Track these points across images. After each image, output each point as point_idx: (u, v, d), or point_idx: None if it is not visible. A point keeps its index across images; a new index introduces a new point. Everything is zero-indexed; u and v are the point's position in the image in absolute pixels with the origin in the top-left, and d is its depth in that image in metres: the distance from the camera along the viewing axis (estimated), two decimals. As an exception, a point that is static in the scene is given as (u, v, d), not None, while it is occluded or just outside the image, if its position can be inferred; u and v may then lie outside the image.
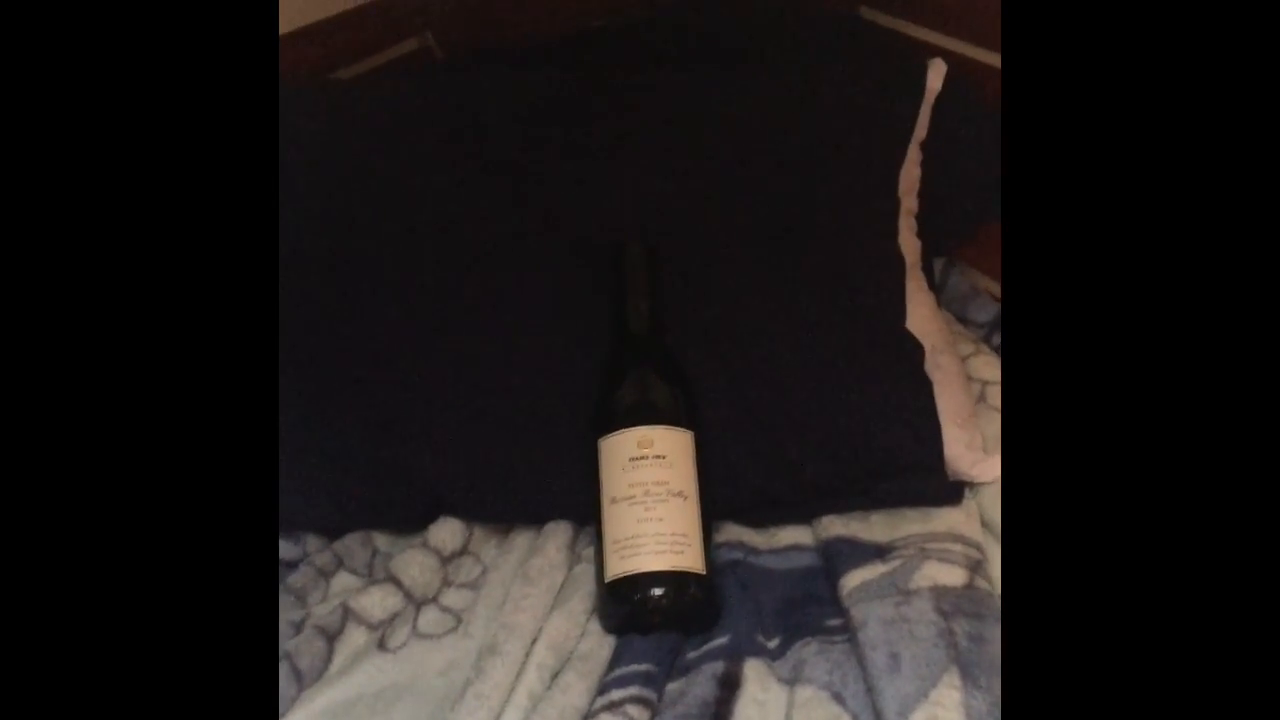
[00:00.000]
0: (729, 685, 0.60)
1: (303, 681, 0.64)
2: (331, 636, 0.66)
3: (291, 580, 0.71)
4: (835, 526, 0.70)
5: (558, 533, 0.72)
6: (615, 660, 0.63)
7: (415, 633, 0.67)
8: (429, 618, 0.68)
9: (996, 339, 0.87)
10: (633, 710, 0.58)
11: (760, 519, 0.73)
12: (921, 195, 0.87)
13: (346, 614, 0.68)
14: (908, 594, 0.62)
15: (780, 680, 0.61)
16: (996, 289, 0.92)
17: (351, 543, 0.74)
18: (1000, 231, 0.43)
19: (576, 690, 0.61)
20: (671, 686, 0.61)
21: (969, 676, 0.56)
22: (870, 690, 0.58)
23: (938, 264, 0.94)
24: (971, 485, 0.73)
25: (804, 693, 0.59)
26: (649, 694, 0.60)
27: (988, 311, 0.90)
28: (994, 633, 0.59)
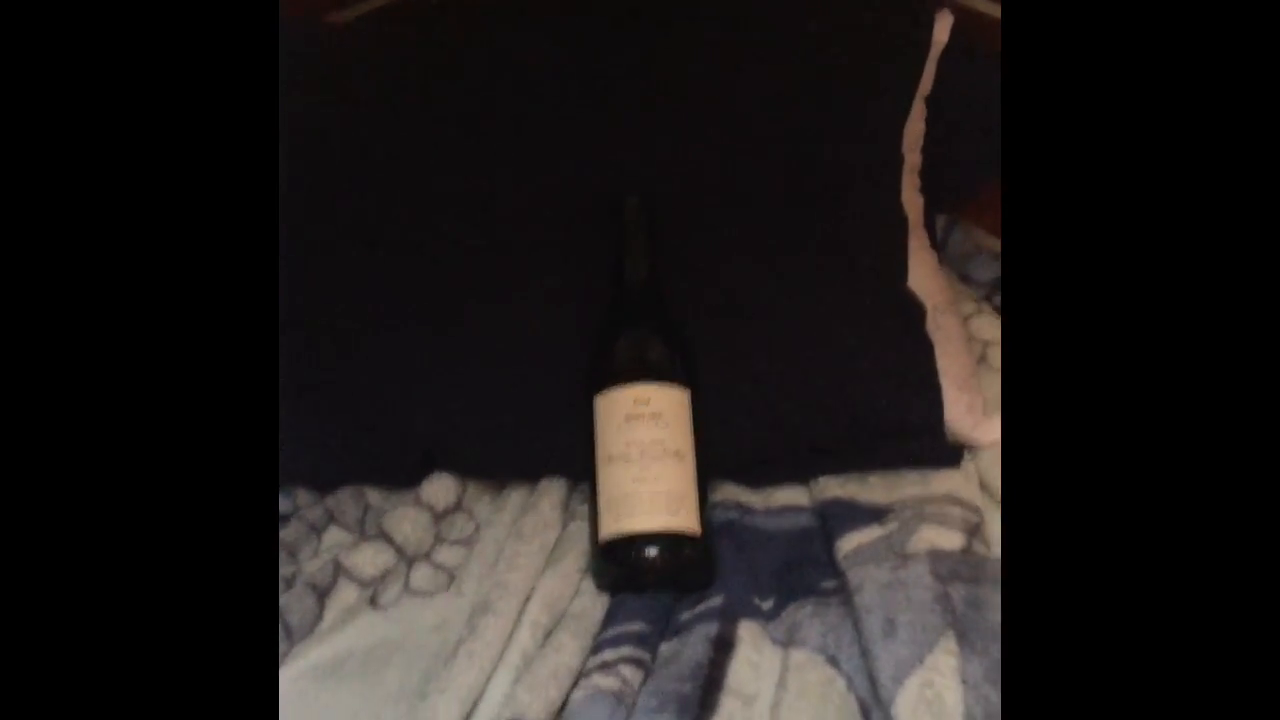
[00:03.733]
0: (723, 646, 0.60)
1: (293, 637, 0.63)
2: (322, 593, 0.66)
3: (283, 534, 0.71)
4: (832, 488, 0.70)
5: (552, 490, 0.71)
6: (609, 620, 0.63)
7: (407, 590, 0.66)
8: (421, 575, 0.67)
9: (998, 298, 0.86)
10: (626, 670, 0.58)
11: (757, 479, 0.73)
12: (925, 151, 0.86)
13: (338, 570, 0.67)
14: (905, 558, 0.62)
15: (774, 642, 0.61)
16: (998, 247, 0.90)
17: (343, 498, 0.73)
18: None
19: (569, 649, 0.60)
20: (665, 647, 0.61)
21: (965, 641, 0.55)
22: (865, 654, 0.57)
23: (939, 221, 0.92)
24: (971, 448, 0.73)
25: (798, 655, 0.59)
26: (642, 654, 0.60)
27: (990, 270, 0.88)
28: (991, 598, 0.58)
